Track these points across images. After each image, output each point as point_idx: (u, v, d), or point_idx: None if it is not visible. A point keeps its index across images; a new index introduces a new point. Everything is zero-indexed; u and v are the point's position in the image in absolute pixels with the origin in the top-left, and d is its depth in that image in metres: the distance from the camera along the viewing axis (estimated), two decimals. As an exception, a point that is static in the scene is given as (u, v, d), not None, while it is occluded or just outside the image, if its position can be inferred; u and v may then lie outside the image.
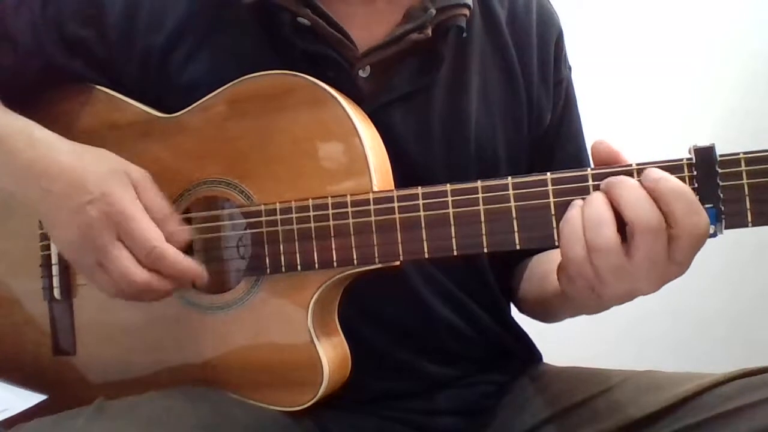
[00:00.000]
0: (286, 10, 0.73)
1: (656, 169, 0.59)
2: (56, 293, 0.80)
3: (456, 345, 0.82)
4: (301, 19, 0.73)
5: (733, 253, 1.55)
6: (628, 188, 0.59)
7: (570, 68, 0.90)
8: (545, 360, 0.89)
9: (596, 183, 0.61)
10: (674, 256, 0.59)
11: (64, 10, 0.77)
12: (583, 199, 0.61)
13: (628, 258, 0.59)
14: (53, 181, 0.69)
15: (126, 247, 0.67)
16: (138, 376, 0.77)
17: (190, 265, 0.69)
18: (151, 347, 0.76)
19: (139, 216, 0.67)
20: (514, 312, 0.90)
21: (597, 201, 0.60)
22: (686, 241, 0.58)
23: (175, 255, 0.68)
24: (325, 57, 0.73)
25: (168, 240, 0.68)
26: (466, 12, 0.76)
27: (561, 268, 0.65)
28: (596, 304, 0.67)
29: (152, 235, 0.67)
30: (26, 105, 0.79)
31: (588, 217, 0.59)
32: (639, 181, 0.59)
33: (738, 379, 0.68)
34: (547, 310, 0.85)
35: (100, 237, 0.67)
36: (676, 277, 0.61)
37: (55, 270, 0.80)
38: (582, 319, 0.80)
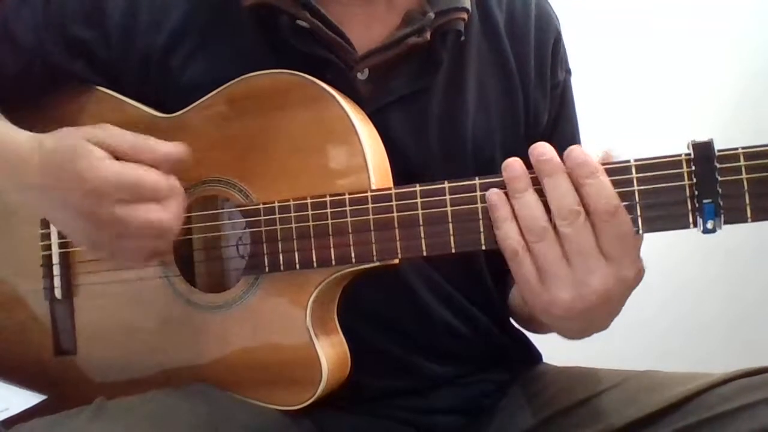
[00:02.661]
0: (285, 13, 0.73)
1: (577, 149, 0.60)
2: (57, 293, 0.80)
3: (455, 345, 0.82)
4: (300, 22, 0.73)
5: (733, 253, 1.55)
6: (550, 174, 0.60)
7: (569, 71, 0.90)
8: (545, 360, 0.89)
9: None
10: (603, 247, 0.59)
11: (66, 11, 0.78)
12: None
13: (562, 251, 0.59)
14: (32, 185, 0.67)
15: (132, 203, 0.64)
16: (138, 376, 0.77)
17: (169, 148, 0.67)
18: (151, 347, 0.76)
19: (120, 170, 0.64)
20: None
21: (528, 195, 0.61)
22: (606, 228, 0.59)
23: (170, 182, 0.66)
24: (324, 60, 0.74)
25: (159, 163, 0.66)
26: (465, 16, 0.77)
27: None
28: (551, 321, 0.66)
29: (148, 176, 0.65)
30: (26, 106, 0.80)
31: (518, 208, 0.61)
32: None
33: (738, 379, 0.68)
34: (531, 321, 0.85)
35: (101, 213, 0.64)
36: (620, 289, 0.61)
37: (56, 270, 0.80)
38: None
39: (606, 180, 0.59)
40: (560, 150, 0.85)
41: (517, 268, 0.62)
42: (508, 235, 0.61)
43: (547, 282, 0.61)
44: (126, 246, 0.66)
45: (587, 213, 0.59)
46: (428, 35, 0.74)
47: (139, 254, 0.68)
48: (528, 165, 0.62)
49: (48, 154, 0.66)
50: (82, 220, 0.66)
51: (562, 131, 0.88)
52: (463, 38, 0.78)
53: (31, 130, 0.73)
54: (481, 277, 0.83)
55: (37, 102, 0.81)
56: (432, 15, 0.74)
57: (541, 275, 0.61)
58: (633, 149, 0.64)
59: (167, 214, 0.66)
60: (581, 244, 0.59)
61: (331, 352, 0.70)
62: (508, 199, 0.62)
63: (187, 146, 0.68)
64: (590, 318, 0.63)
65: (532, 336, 0.88)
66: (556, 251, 0.60)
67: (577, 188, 0.60)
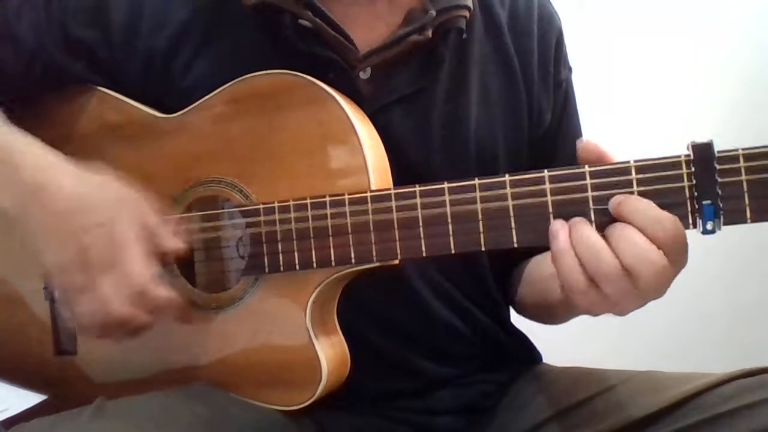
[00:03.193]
0: (287, 12, 0.73)
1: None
2: (57, 293, 0.80)
3: (455, 345, 0.82)
4: (302, 21, 0.73)
5: (733, 253, 1.55)
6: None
7: (570, 69, 0.90)
8: (545, 360, 0.89)
9: (594, 181, 0.61)
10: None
11: (67, 12, 0.78)
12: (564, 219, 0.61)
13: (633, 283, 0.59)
14: (56, 201, 0.67)
15: (113, 278, 0.65)
16: (138, 376, 0.77)
17: (170, 299, 0.68)
18: (150, 347, 0.76)
19: (135, 254, 0.66)
20: (514, 313, 0.90)
21: (587, 231, 0.60)
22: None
23: (156, 292, 0.67)
24: (326, 59, 0.74)
25: (160, 253, 0.68)
26: (466, 13, 0.76)
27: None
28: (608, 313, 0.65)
29: (142, 272, 0.66)
30: (28, 106, 0.80)
31: (581, 248, 0.60)
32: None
33: (738, 379, 0.68)
34: (549, 315, 0.84)
35: (94, 261, 0.65)
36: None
37: (55, 270, 0.80)
38: (582, 319, 0.80)
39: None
40: (565, 149, 0.86)
41: (584, 297, 0.61)
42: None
43: (619, 305, 0.61)
44: (80, 303, 0.67)
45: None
46: (430, 33, 0.74)
47: (83, 318, 0.68)
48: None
49: (91, 185, 0.68)
50: (73, 254, 0.66)
51: (566, 130, 0.88)
52: (465, 36, 0.78)
53: (31, 130, 0.73)
54: (484, 276, 0.83)
55: (38, 102, 0.81)
56: (433, 12, 0.74)
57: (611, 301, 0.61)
58: (632, 150, 0.64)
59: (122, 310, 0.66)
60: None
61: (330, 353, 0.70)
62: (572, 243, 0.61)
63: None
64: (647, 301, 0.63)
65: (532, 336, 0.88)
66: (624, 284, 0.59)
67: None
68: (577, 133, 0.90)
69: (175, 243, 0.70)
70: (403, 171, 0.72)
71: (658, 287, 0.60)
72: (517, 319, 0.89)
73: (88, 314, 0.67)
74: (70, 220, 0.66)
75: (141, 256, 0.66)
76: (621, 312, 0.62)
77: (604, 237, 0.60)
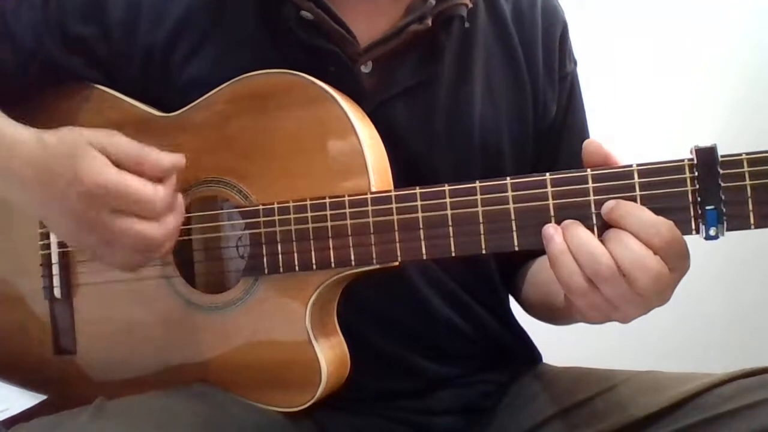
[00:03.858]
0: (289, 3, 0.72)
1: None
2: (56, 292, 0.80)
3: (456, 344, 0.81)
4: (304, 13, 0.72)
5: (733, 253, 1.54)
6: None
7: (575, 62, 0.89)
8: (545, 360, 0.89)
9: (596, 185, 0.61)
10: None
11: (65, 8, 0.77)
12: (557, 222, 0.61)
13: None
14: (29, 181, 0.66)
15: (124, 214, 0.64)
16: (138, 376, 0.77)
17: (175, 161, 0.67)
18: (150, 347, 0.76)
19: (118, 179, 0.63)
20: (515, 312, 0.90)
21: (581, 233, 0.60)
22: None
23: (168, 192, 0.65)
24: (327, 52, 0.73)
25: (157, 174, 0.66)
26: (467, 2, 0.76)
27: (566, 298, 0.64)
28: (611, 318, 0.65)
29: (144, 189, 0.64)
30: (25, 104, 0.79)
31: (577, 249, 0.59)
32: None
33: (738, 379, 0.68)
34: (554, 317, 0.84)
35: (92, 217, 0.64)
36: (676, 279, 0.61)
37: (55, 269, 0.80)
38: (582, 319, 0.80)
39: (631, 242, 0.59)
40: (570, 142, 0.86)
41: (584, 299, 0.61)
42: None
43: (620, 309, 0.61)
44: (112, 253, 0.66)
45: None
46: (429, 22, 0.74)
47: (123, 263, 0.68)
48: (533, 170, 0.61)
49: (47, 149, 0.66)
50: (71, 220, 0.65)
51: (572, 123, 0.87)
52: (467, 25, 0.77)
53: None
54: (488, 274, 0.83)
55: (36, 99, 0.80)
56: (433, 1, 0.74)
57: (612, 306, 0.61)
58: (633, 150, 0.63)
59: (160, 230, 0.65)
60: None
61: (330, 354, 0.70)
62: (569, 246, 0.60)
63: (185, 155, 0.68)
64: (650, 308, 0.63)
65: (532, 336, 0.88)
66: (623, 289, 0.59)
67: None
68: (582, 127, 0.89)
69: (165, 157, 0.66)
70: (405, 164, 0.71)
71: (658, 292, 0.59)
72: (517, 319, 0.89)
73: (133, 257, 0.67)
74: (47, 195, 0.65)
75: (125, 177, 0.64)
76: (624, 317, 0.62)
77: (602, 241, 0.60)
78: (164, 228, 0.66)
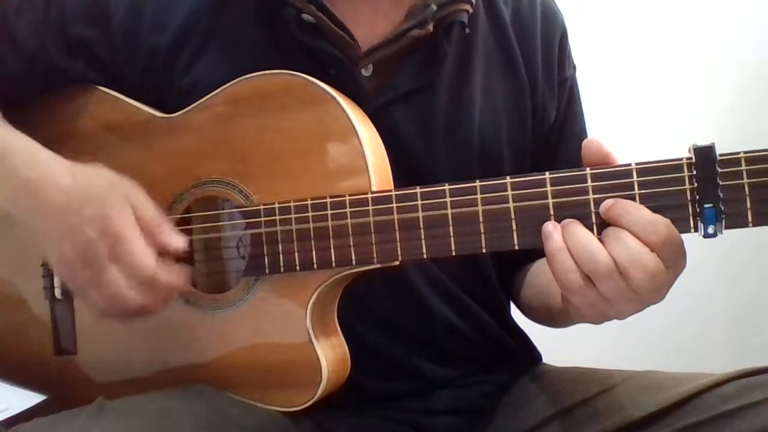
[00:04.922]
0: (291, 6, 0.73)
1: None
2: (57, 293, 0.80)
3: (456, 345, 0.82)
4: (305, 16, 0.72)
5: (732, 253, 1.55)
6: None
7: (574, 67, 0.90)
8: (545, 360, 0.89)
9: (595, 184, 0.61)
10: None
11: (67, 11, 0.77)
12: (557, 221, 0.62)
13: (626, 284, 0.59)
14: (49, 200, 0.67)
15: (120, 269, 0.65)
16: (138, 376, 0.77)
17: (180, 280, 0.68)
18: (151, 347, 0.76)
19: (135, 240, 0.66)
20: (515, 312, 0.90)
21: (580, 231, 0.60)
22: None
23: (167, 277, 0.67)
24: (328, 55, 0.73)
25: (163, 250, 0.67)
26: (468, 7, 0.76)
27: (563, 297, 0.64)
28: (607, 317, 0.66)
29: (148, 260, 0.66)
30: (27, 106, 0.80)
31: (575, 247, 0.60)
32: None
33: (738, 379, 0.68)
34: (552, 319, 0.84)
35: (95, 256, 0.65)
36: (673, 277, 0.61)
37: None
38: (582, 318, 0.80)
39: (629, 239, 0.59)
40: (569, 147, 0.86)
41: (581, 297, 0.61)
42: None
43: (616, 306, 0.61)
44: (93, 295, 0.67)
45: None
46: (431, 27, 0.74)
47: (100, 308, 0.68)
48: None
49: (77, 178, 0.68)
50: (74, 250, 0.66)
51: (571, 127, 0.88)
52: (467, 31, 0.78)
53: (30, 129, 0.73)
54: (487, 275, 0.83)
55: (38, 101, 0.80)
56: (434, 7, 0.74)
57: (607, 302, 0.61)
58: (633, 150, 0.63)
59: (137, 298, 0.66)
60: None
61: (330, 354, 0.70)
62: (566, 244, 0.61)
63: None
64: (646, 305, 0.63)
65: (532, 336, 0.88)
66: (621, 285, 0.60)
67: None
68: (581, 132, 0.90)
69: (177, 240, 0.68)
70: (405, 168, 0.71)
71: (655, 290, 0.60)
72: (517, 319, 0.89)
73: (104, 306, 0.67)
74: (64, 219, 0.66)
75: (141, 242, 0.66)
76: (619, 314, 0.62)
77: (600, 240, 0.60)
78: (143, 298, 0.66)
